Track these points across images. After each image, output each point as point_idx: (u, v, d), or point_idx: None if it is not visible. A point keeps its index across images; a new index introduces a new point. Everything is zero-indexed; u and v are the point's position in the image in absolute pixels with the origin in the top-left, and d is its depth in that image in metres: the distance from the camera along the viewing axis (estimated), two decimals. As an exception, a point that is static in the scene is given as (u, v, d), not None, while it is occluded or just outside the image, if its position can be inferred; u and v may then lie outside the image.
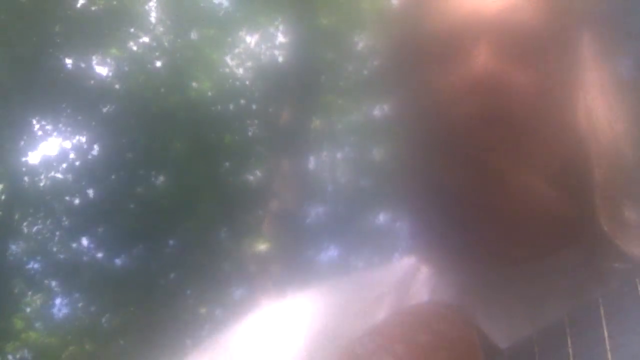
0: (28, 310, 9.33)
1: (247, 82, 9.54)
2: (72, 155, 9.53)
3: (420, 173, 0.79)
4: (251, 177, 9.55)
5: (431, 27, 0.79)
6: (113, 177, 9.22)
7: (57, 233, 9.41)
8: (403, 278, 0.85)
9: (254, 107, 9.40)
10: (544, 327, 0.58)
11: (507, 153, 0.73)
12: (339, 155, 10.25)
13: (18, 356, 9.01)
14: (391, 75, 0.87)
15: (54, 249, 9.39)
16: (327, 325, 0.82)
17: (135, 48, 9.46)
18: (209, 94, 9.26)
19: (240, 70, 9.73)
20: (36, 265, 9.42)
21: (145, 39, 9.47)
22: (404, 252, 0.89)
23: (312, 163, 9.70)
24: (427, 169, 0.78)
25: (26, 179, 9.42)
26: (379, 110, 8.44)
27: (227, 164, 9.13)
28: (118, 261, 9.28)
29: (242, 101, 9.42)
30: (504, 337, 0.64)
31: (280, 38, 9.58)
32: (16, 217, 9.23)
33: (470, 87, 0.74)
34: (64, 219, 9.42)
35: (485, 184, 0.73)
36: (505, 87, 0.74)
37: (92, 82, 9.30)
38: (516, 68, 0.75)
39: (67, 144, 9.59)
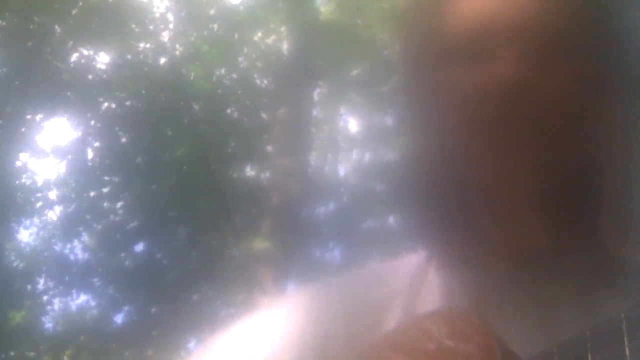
0: (28, 308, 9.32)
1: (248, 81, 9.52)
2: (72, 155, 9.53)
3: (431, 171, 0.77)
4: (252, 177, 9.53)
5: (456, 25, 0.77)
6: (113, 175, 9.23)
7: (58, 231, 9.42)
8: (413, 278, 0.83)
9: (254, 105, 9.38)
10: (565, 341, 0.58)
11: (522, 156, 0.72)
12: (344, 154, 10.23)
13: (19, 354, 9.00)
14: (408, 72, 0.85)
15: (55, 247, 9.41)
16: (335, 324, 0.80)
17: (137, 45, 9.45)
18: (210, 92, 9.25)
19: (241, 68, 9.70)
20: (37, 263, 9.43)
21: (147, 37, 9.47)
22: (413, 251, 0.88)
23: (318, 162, 9.68)
24: (439, 167, 0.76)
25: (25, 176, 9.42)
26: (388, 111, 8.42)
27: (227, 163, 9.12)
28: (118, 260, 9.29)
29: (242, 100, 9.41)
30: (516, 341, 0.64)
31: (283, 34, 9.54)
32: (16, 215, 9.23)
33: (497, 88, 0.73)
34: (64, 217, 9.43)
35: (495, 184, 0.72)
36: (532, 92, 0.73)
37: (93, 79, 9.30)
38: (543, 73, 0.73)
39: (67, 142, 9.59)
